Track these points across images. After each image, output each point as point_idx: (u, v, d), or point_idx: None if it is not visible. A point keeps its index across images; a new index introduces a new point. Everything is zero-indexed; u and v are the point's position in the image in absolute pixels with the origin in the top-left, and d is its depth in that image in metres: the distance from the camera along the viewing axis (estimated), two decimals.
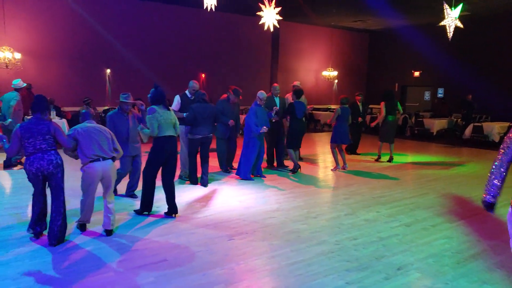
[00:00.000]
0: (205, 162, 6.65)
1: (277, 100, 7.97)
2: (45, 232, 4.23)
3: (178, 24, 15.30)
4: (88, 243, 4.21)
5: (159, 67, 14.82)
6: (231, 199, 5.98)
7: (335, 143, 8.16)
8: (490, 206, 2.89)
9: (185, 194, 6.16)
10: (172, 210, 5.12)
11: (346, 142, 8.24)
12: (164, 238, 4.39)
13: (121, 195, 5.91)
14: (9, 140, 4.14)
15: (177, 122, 5.24)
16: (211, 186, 6.62)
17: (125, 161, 5.68)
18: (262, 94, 7.17)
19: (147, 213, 5.16)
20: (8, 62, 11.92)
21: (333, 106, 18.94)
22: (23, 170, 4.17)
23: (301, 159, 8.76)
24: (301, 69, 18.70)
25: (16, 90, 8.03)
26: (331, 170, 8.24)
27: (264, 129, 6.89)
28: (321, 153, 10.45)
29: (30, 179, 4.11)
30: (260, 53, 16.95)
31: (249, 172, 7.19)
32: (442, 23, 8.67)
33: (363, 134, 11.02)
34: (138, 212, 5.14)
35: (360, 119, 9.88)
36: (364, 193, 6.46)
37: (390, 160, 9.21)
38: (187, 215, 5.20)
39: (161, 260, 3.83)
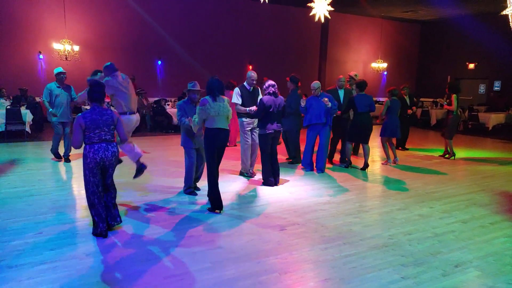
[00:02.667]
0: (274, 158, 6.23)
1: (341, 92, 7.73)
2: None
3: (227, 15, 15.49)
4: (143, 228, 4.43)
5: (207, 57, 15.13)
6: (281, 190, 6.03)
7: (386, 136, 7.99)
8: None
9: (235, 184, 6.30)
10: (215, 205, 4.94)
11: (397, 136, 8.04)
12: (217, 226, 4.53)
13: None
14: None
15: (230, 115, 5.04)
16: (261, 177, 6.69)
17: (191, 153, 5.53)
18: (314, 84, 7.02)
19: (218, 211, 4.98)
20: (67, 54, 12.63)
21: (381, 99, 18.47)
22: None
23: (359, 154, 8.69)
24: (349, 61, 18.40)
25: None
26: (382, 164, 8.10)
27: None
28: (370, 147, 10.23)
29: (90, 168, 3.99)
30: (308, 44, 16.84)
31: (305, 162, 7.22)
32: (504, 12, 8.19)
33: (411, 128, 10.65)
34: (211, 210, 4.98)
35: (410, 112, 9.57)
36: (417, 188, 6.30)
37: (451, 156, 8.80)
38: (238, 204, 5.33)
39: (217, 247, 3.96)
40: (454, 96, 8.39)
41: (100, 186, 4.10)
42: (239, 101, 6.44)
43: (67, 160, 7.57)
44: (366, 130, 7.34)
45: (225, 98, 5.04)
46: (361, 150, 8.61)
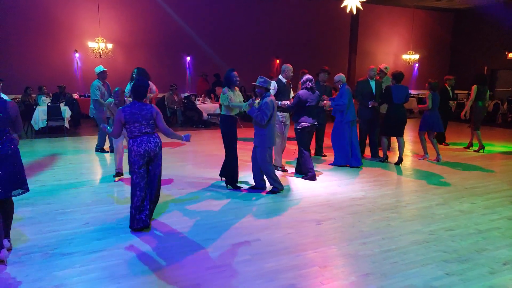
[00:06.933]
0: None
1: (372, 83, 7.50)
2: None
3: (255, 10, 15.47)
4: (182, 220, 4.52)
5: (234, 52, 15.18)
6: (314, 184, 6.01)
7: (424, 130, 7.74)
8: None
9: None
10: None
11: (439, 130, 7.79)
12: (254, 218, 4.59)
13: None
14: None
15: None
16: (291, 171, 6.69)
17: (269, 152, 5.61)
18: (337, 77, 6.98)
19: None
20: (101, 52, 12.96)
21: (413, 91, 18.04)
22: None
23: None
24: (380, 53, 18.04)
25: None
26: (418, 159, 7.89)
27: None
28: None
29: (134, 161, 4.09)
30: (337, 36, 16.62)
31: (342, 158, 7.09)
32: None
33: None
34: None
35: (453, 103, 9.32)
36: (455, 183, 6.15)
37: (480, 149, 8.59)
38: (272, 197, 5.35)
39: (255, 240, 4.01)
40: (473, 87, 8.40)
41: (144, 179, 4.17)
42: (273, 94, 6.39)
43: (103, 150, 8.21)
44: (402, 122, 7.19)
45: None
46: (394, 144, 8.47)
